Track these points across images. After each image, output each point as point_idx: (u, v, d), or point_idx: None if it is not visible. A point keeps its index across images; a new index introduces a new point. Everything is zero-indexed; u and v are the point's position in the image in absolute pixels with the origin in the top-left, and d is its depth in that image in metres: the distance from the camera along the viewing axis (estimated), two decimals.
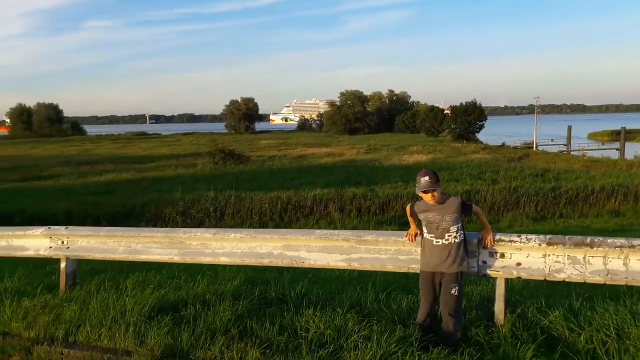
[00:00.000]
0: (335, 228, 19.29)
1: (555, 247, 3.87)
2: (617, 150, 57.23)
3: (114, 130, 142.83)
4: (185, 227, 24.95)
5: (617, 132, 66.62)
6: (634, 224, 22.49)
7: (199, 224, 25.08)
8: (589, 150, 58.37)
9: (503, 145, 61.36)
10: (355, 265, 4.45)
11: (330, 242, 4.54)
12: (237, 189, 28.19)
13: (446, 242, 4.05)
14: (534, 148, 59.27)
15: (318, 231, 4.75)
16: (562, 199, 27.00)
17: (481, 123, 62.63)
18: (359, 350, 3.67)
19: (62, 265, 5.45)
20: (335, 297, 4.70)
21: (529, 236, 4.02)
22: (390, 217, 26.08)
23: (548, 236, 3.99)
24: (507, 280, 4.15)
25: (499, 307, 4.11)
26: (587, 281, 3.83)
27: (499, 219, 26.21)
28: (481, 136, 67.27)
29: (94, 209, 25.68)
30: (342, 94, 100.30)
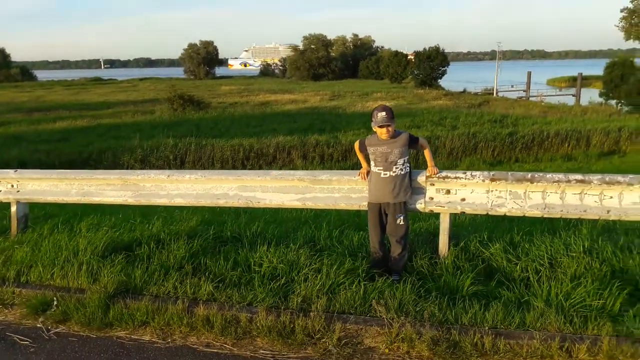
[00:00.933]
0: None
1: (498, 182, 4.06)
2: (573, 96, 58.75)
3: (66, 76, 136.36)
4: None
5: (575, 79, 68.12)
6: (584, 168, 23.53)
7: None
8: (547, 96, 59.62)
9: (464, 91, 61.98)
10: (310, 204, 4.56)
11: (286, 182, 4.61)
12: (197, 137, 27.80)
13: (393, 174, 4.22)
14: (494, 94, 60.12)
15: (274, 172, 4.81)
16: (519, 144, 27.85)
17: (444, 69, 62.89)
18: (309, 281, 3.85)
19: (13, 209, 5.35)
20: (290, 236, 4.83)
21: (474, 173, 4.18)
22: (353, 164, 26.35)
23: (492, 172, 4.16)
24: (452, 216, 4.34)
25: (443, 240, 4.32)
26: (526, 215, 4.06)
27: (457, 164, 26.91)
28: (443, 82, 67.62)
29: (47, 156, 24.96)
30: (305, 38, 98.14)
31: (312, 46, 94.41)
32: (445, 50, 66.65)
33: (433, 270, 4.11)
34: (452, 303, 3.66)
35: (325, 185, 4.56)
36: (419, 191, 4.37)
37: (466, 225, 5.10)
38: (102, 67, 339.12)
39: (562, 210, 3.94)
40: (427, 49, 62.66)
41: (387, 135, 4.22)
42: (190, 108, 40.27)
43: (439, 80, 64.73)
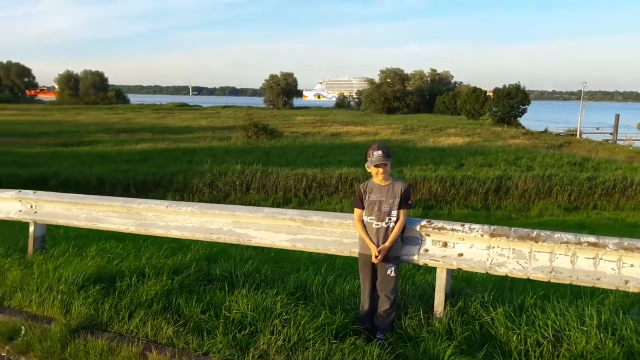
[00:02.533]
0: None
1: (498, 239, 3.65)
2: None
3: (157, 100, 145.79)
4: (211, 199, 25.44)
5: None
6: None
7: (225, 197, 25.45)
8: (636, 140, 55.49)
9: (545, 131, 59.10)
10: (300, 246, 4.34)
11: (278, 221, 4.44)
12: (265, 164, 28.31)
13: (385, 226, 3.95)
14: (578, 136, 56.88)
15: (266, 209, 4.66)
16: (598, 189, 25.94)
17: (524, 107, 60.56)
18: (274, 334, 3.61)
19: (31, 229, 5.55)
20: (283, 278, 4.63)
21: (473, 226, 3.80)
22: (416, 200, 25.73)
23: (492, 227, 3.75)
24: (450, 271, 3.95)
25: (438, 299, 3.92)
26: (530, 277, 3.60)
27: (529, 207, 25.47)
28: (524, 121, 65.05)
29: (124, 176, 26.35)
30: (381, 72, 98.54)
31: (388, 80, 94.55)
32: (529, 88, 64.46)
33: (420, 332, 3.72)
34: None
35: (316, 227, 4.35)
36: (415, 241, 4.03)
37: (477, 281, 4.65)
38: (190, 93, 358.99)
39: (571, 276, 3.45)
40: (507, 86, 60.76)
41: (382, 176, 3.97)
42: (263, 136, 41.43)
43: (519, 118, 62.38)
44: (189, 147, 37.23)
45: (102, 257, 5.12)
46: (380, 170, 3.97)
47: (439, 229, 3.86)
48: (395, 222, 3.94)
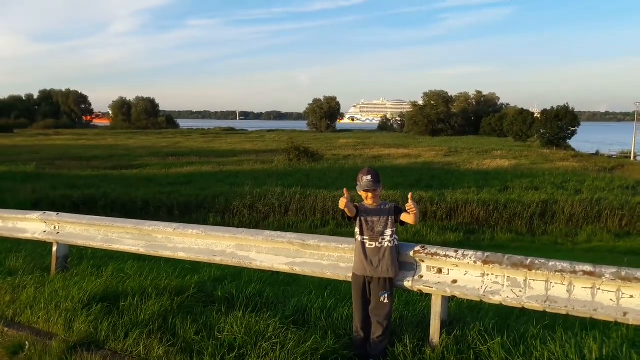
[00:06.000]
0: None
1: (492, 266, 3.53)
2: None
3: (205, 125, 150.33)
4: (251, 220, 25.72)
5: None
6: None
7: (264, 218, 25.72)
8: None
9: (596, 153, 56.96)
10: (298, 270, 4.35)
11: (277, 244, 4.48)
12: (304, 186, 28.45)
13: (379, 246, 3.95)
14: (632, 158, 54.39)
15: (267, 232, 4.70)
16: None
17: (573, 129, 58.64)
18: (260, 358, 3.61)
19: (54, 249, 5.83)
20: (286, 301, 4.64)
21: (466, 252, 3.70)
22: (457, 224, 25.14)
23: (486, 253, 3.65)
24: (445, 298, 3.85)
25: (434, 326, 3.81)
26: (524, 306, 3.45)
27: (577, 232, 24.42)
28: (574, 143, 62.92)
29: (168, 198, 27.08)
30: (425, 94, 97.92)
31: (432, 102, 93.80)
32: (580, 110, 62.72)
33: None
34: None
35: (314, 251, 4.36)
36: (410, 267, 3.97)
37: (483, 308, 4.48)
38: (238, 118, 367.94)
39: (567, 306, 3.29)
40: (556, 107, 59.11)
41: (372, 201, 4.01)
42: (304, 159, 41.84)
43: (569, 140, 60.39)
44: (232, 169, 37.97)
45: (115, 277, 5.32)
46: (370, 194, 4.02)
47: (433, 254, 3.80)
48: (389, 242, 3.95)
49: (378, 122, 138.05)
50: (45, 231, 5.87)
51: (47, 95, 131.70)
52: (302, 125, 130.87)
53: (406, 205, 3.94)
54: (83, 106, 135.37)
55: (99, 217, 5.90)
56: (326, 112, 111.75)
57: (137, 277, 5.23)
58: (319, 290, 4.94)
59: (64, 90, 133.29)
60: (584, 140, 69.78)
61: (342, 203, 4.05)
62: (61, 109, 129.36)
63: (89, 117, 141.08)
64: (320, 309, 4.29)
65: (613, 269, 3.19)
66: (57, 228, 5.81)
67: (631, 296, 3.15)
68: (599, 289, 3.24)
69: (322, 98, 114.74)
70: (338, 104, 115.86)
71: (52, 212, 5.93)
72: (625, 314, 3.15)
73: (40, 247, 7.12)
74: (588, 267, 3.26)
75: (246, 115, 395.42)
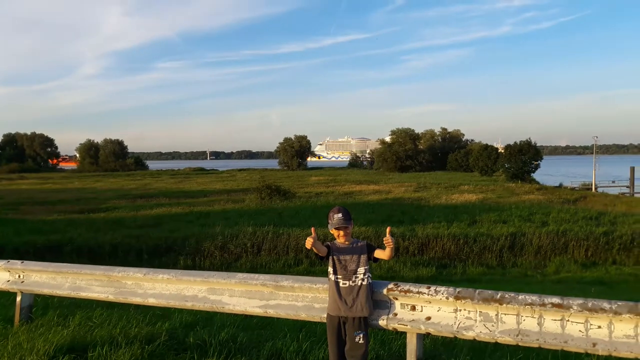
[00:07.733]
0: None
1: (464, 301, 3.60)
2: None
3: (174, 166, 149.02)
4: (222, 262, 25.30)
5: None
6: None
7: (237, 259, 25.36)
8: None
9: (560, 186, 58.74)
10: (271, 313, 4.31)
11: (250, 287, 4.43)
12: (277, 225, 28.28)
13: (352, 284, 3.98)
14: (593, 189, 56.29)
15: (239, 274, 4.66)
16: (615, 244, 25.41)
17: (536, 163, 60.50)
18: None
19: (18, 299, 5.59)
20: (260, 346, 4.57)
21: (438, 288, 3.78)
22: (429, 258, 25.31)
23: (457, 289, 3.73)
24: (420, 336, 3.88)
25: None
26: (497, 341, 3.52)
27: (545, 263, 24.90)
28: (538, 176, 64.80)
29: (137, 241, 26.50)
30: (392, 132, 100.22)
31: (400, 140, 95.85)
32: (542, 144, 64.85)
33: None
34: None
35: (288, 292, 4.34)
36: (384, 305, 4.01)
37: (461, 344, 4.52)
38: (208, 158, 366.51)
39: (538, 339, 3.37)
40: (519, 142, 61.09)
41: (344, 239, 4.07)
42: (276, 197, 41.70)
43: (533, 174, 62.19)
44: (203, 210, 37.50)
45: (83, 327, 5.15)
46: (342, 232, 4.08)
47: (406, 291, 3.85)
48: (363, 280, 3.97)
49: (345, 159, 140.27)
50: (9, 280, 5.66)
51: (11, 139, 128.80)
52: (273, 163, 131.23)
53: (384, 239, 4.00)
54: (49, 149, 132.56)
55: (66, 264, 5.73)
56: (297, 150, 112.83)
57: (105, 326, 5.07)
58: (293, 332, 4.88)
59: (29, 133, 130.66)
60: (547, 173, 71.98)
61: (309, 243, 4.08)
62: (26, 152, 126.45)
63: (55, 161, 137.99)
64: (296, 352, 4.25)
65: (580, 301, 3.29)
66: (21, 277, 5.61)
67: (599, 327, 3.25)
68: (568, 320, 3.33)
69: (292, 137, 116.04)
70: (309, 142, 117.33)
71: (16, 261, 5.73)
72: (594, 344, 3.23)
73: (2, 297, 6.85)
74: (556, 300, 3.35)
75: (217, 155, 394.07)
